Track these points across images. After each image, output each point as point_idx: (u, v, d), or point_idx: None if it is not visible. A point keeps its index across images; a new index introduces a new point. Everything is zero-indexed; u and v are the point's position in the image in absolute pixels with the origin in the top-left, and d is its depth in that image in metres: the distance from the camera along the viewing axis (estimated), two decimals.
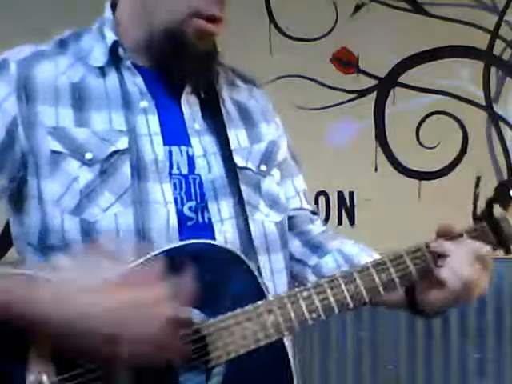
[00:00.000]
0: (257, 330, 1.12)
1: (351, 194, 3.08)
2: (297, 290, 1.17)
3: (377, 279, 1.19)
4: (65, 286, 1.04)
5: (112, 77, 1.25)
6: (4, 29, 2.81)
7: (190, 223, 1.22)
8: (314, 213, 1.44)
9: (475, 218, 1.27)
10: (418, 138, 3.08)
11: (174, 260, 1.11)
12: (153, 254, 1.13)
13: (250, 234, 1.25)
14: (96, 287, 1.04)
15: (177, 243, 1.17)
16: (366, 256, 1.34)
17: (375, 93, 3.10)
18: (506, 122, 3.09)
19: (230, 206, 1.25)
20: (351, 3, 3.09)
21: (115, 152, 1.20)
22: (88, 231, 1.18)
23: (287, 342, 1.19)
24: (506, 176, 3.04)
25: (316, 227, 1.42)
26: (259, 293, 1.16)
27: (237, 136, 1.32)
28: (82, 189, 1.18)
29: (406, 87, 3.09)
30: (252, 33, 3.00)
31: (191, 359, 1.09)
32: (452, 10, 3.06)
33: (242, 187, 1.27)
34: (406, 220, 2.92)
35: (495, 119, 3.09)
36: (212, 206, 1.24)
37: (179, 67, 1.26)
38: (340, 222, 3.09)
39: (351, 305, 1.18)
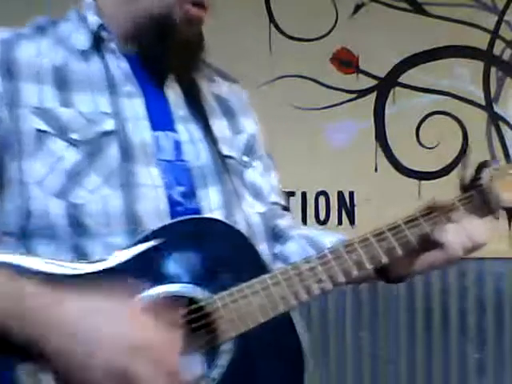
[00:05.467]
0: (264, 303, 1.10)
1: (351, 194, 3.08)
2: (300, 261, 1.15)
3: (378, 248, 1.22)
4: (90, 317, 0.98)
5: (95, 60, 1.22)
6: None
7: (179, 208, 1.18)
8: (285, 208, 1.42)
9: (464, 186, 1.33)
10: (418, 138, 3.08)
11: (177, 235, 1.10)
12: (155, 228, 1.11)
13: (248, 224, 1.24)
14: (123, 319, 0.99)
15: (178, 218, 1.13)
16: (330, 236, 1.34)
17: (375, 93, 3.10)
18: (506, 122, 3.09)
19: (219, 195, 1.22)
20: (351, 3, 3.09)
21: (102, 133, 1.16)
22: (75, 214, 1.12)
23: (295, 317, 1.17)
24: None
25: (283, 222, 1.40)
26: (262, 268, 1.15)
27: (219, 126, 1.30)
28: (68, 170, 1.13)
29: (406, 87, 3.09)
30: (252, 33, 3.00)
31: (198, 337, 1.06)
32: (452, 10, 3.06)
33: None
34: None
35: (495, 119, 3.09)
36: (201, 193, 1.20)
37: (165, 54, 1.23)
38: (340, 222, 3.09)
39: (355, 272, 1.18)
